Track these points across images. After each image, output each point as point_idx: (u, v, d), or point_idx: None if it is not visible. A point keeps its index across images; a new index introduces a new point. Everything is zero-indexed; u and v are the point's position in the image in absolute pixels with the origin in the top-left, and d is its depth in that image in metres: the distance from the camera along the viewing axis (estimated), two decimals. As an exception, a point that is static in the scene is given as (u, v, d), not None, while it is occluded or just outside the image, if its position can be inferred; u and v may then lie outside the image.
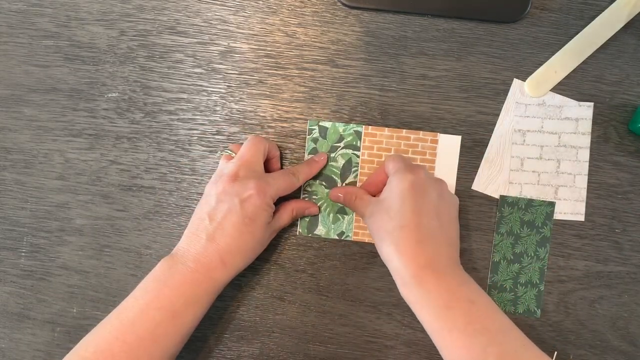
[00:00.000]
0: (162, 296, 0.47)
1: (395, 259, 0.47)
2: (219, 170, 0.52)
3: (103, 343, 0.46)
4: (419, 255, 0.46)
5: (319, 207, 0.57)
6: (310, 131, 0.57)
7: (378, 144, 0.56)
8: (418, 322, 0.56)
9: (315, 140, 0.57)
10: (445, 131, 0.56)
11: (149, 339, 0.46)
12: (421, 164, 0.56)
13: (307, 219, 0.57)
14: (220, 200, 0.49)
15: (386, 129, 0.56)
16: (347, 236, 0.57)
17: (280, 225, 0.54)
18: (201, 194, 0.58)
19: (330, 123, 0.57)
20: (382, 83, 0.57)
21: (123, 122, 0.58)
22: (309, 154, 0.57)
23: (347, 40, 0.57)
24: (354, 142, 0.57)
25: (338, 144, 0.57)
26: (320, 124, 0.57)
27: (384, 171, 0.53)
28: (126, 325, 0.46)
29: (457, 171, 0.56)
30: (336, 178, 0.57)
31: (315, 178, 0.57)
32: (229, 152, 0.54)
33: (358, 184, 0.57)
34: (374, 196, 0.53)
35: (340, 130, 0.57)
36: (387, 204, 0.49)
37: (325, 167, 0.57)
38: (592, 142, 0.56)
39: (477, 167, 0.56)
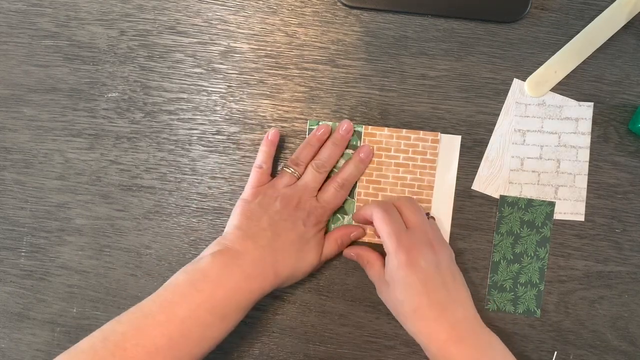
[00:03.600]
0: (215, 298, 0.46)
1: (419, 338, 0.49)
2: (280, 188, 0.53)
3: (146, 337, 0.44)
4: (439, 331, 0.47)
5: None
6: (310, 131, 0.57)
7: (378, 143, 0.56)
8: (418, 322, 0.56)
9: (315, 140, 0.57)
10: (445, 131, 0.56)
11: (196, 339, 0.45)
12: (421, 164, 0.56)
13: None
14: (285, 220, 0.51)
15: (386, 128, 0.56)
16: (347, 236, 0.57)
17: (327, 256, 0.55)
18: (201, 194, 0.58)
19: (331, 123, 0.57)
20: (382, 83, 0.57)
21: (123, 122, 0.58)
22: (309, 154, 0.57)
23: (347, 40, 0.57)
24: (354, 142, 0.57)
25: (338, 144, 0.57)
26: (320, 123, 0.57)
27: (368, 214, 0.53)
28: (175, 323, 0.45)
29: (457, 171, 0.56)
30: (336, 178, 0.57)
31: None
32: (293, 171, 0.54)
33: (358, 184, 0.56)
34: (368, 223, 0.55)
35: (341, 130, 0.57)
36: (394, 293, 0.50)
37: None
38: (592, 142, 0.56)
39: (477, 167, 0.56)
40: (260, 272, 0.49)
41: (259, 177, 0.54)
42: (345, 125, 0.55)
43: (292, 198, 0.52)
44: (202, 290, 0.46)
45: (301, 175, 0.54)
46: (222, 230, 0.58)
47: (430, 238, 0.51)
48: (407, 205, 0.52)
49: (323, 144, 0.55)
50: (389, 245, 0.50)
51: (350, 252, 0.55)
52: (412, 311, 0.48)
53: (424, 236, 0.50)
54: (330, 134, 0.56)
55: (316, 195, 0.54)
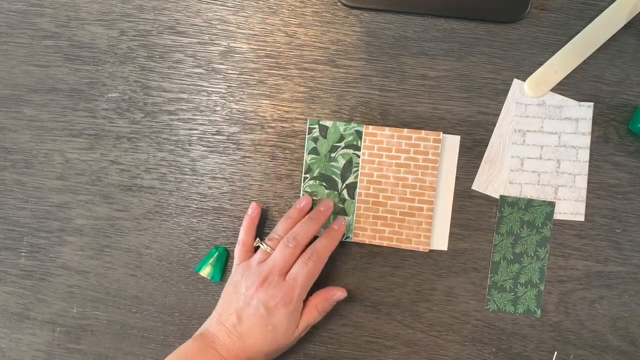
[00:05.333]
0: None
1: None
2: (253, 265, 0.53)
3: None
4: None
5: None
6: (311, 130, 0.57)
7: (379, 143, 0.56)
8: (418, 322, 0.57)
9: (315, 140, 0.57)
10: (446, 131, 0.56)
11: None
12: (423, 164, 0.56)
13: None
14: (248, 304, 0.51)
15: (387, 128, 0.56)
16: (348, 237, 0.57)
17: (307, 325, 0.54)
18: (201, 194, 0.58)
19: (331, 122, 0.57)
20: (382, 83, 0.57)
21: (123, 122, 0.58)
22: (308, 154, 0.57)
23: (347, 40, 0.57)
24: (355, 142, 0.57)
25: (339, 144, 0.57)
26: (320, 123, 0.57)
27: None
28: None
29: (457, 171, 0.56)
30: (337, 178, 0.57)
31: (315, 179, 0.57)
32: (266, 247, 0.53)
33: (359, 184, 0.57)
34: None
35: (341, 129, 0.57)
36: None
37: (325, 167, 0.57)
38: (592, 142, 0.56)
39: (477, 167, 0.56)
40: (233, 356, 0.51)
41: (239, 254, 0.55)
42: (325, 204, 0.55)
43: (258, 277, 0.51)
44: None
45: None
46: (222, 231, 0.58)
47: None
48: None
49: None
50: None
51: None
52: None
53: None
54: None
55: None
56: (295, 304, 0.51)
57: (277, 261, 0.52)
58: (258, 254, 0.53)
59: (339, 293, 0.54)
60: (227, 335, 0.51)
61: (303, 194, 0.57)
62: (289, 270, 0.52)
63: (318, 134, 0.57)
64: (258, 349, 0.51)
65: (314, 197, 0.57)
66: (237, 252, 0.55)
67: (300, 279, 0.51)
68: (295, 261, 0.52)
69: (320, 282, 0.57)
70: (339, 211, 0.57)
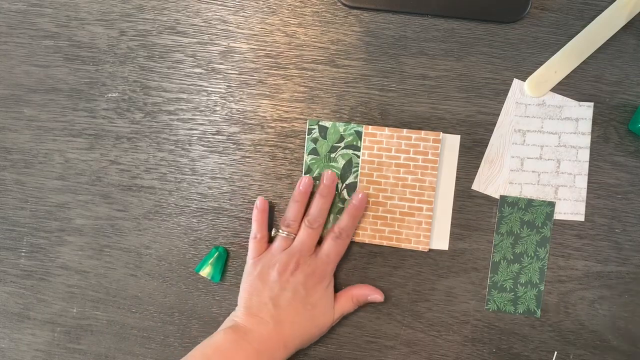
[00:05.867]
0: None
1: None
2: (277, 254, 0.54)
3: None
4: None
5: None
6: (310, 131, 0.57)
7: (378, 143, 0.56)
8: (418, 322, 0.57)
9: (315, 140, 0.57)
10: (445, 131, 0.56)
11: None
12: (423, 164, 0.56)
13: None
14: (284, 289, 0.52)
15: (387, 128, 0.56)
16: (347, 236, 0.57)
17: (342, 313, 0.55)
18: (201, 194, 0.58)
19: (331, 123, 0.57)
20: (382, 83, 0.57)
21: (123, 122, 0.58)
22: (308, 154, 0.57)
23: (347, 40, 0.57)
24: (355, 142, 0.57)
25: (338, 144, 0.57)
26: (320, 123, 0.57)
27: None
28: None
29: (457, 171, 0.56)
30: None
31: (316, 179, 0.57)
32: (285, 233, 0.54)
33: (358, 185, 0.57)
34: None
35: (341, 130, 0.57)
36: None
37: (325, 167, 0.57)
38: (592, 142, 0.56)
39: (477, 167, 0.56)
40: (269, 347, 0.51)
41: (255, 247, 0.55)
42: (328, 176, 0.55)
43: (289, 263, 0.53)
44: None
45: (296, 235, 0.54)
46: (222, 231, 0.58)
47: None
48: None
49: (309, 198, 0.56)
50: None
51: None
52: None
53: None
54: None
55: (315, 251, 0.54)
56: (329, 279, 0.54)
57: (305, 243, 0.53)
58: (277, 242, 0.54)
59: (377, 295, 0.55)
60: (261, 325, 0.51)
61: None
62: (314, 250, 0.54)
63: (318, 134, 0.57)
64: (296, 334, 0.52)
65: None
66: (253, 245, 0.55)
67: (333, 255, 0.54)
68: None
69: (320, 282, 0.57)
70: (339, 211, 0.57)
